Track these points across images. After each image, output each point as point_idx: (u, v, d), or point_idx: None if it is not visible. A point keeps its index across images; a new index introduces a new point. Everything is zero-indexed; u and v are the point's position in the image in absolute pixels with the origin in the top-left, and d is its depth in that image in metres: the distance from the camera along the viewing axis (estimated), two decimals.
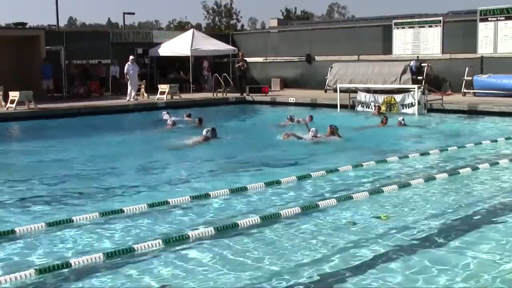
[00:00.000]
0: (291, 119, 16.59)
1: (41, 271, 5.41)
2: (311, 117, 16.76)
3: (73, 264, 5.57)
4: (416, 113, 18.25)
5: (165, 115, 17.93)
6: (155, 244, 6.09)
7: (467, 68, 22.08)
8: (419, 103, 18.62)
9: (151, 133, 15.94)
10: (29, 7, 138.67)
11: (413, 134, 15.00)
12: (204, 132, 13.56)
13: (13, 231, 6.65)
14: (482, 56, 22.41)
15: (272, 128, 16.00)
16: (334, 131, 13.60)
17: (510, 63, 21.39)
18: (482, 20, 22.43)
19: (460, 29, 23.16)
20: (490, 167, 10.09)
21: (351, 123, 16.40)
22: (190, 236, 6.36)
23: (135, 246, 6.01)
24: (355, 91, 20.84)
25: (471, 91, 21.76)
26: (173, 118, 17.10)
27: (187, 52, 26.14)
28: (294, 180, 9.15)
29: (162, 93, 23.52)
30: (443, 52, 23.53)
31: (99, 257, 5.73)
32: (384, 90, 20.69)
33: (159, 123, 17.37)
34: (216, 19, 57.01)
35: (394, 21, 25.28)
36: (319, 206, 7.56)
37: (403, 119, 15.69)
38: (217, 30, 50.99)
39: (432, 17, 24.36)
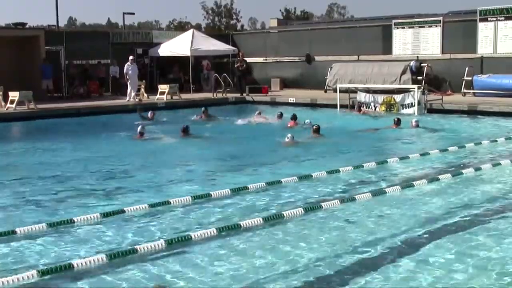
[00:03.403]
0: (294, 118, 16.11)
1: (43, 272, 5.39)
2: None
3: (75, 265, 5.55)
4: (416, 113, 18.23)
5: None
6: (158, 245, 6.08)
7: (467, 68, 22.07)
8: (419, 103, 18.61)
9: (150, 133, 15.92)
10: (29, 7, 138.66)
11: (427, 135, 14.85)
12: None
13: (13, 232, 6.63)
14: (482, 56, 22.40)
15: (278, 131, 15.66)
16: (316, 130, 13.62)
17: (510, 63, 21.38)
18: (482, 20, 22.43)
19: (460, 29, 23.16)
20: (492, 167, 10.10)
21: (353, 124, 16.40)
22: (193, 237, 6.34)
23: (138, 247, 6.00)
24: (355, 91, 20.82)
25: (471, 91, 21.75)
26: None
27: (187, 52, 26.11)
28: (295, 180, 9.14)
29: (162, 93, 23.52)
30: (443, 52, 23.53)
31: (101, 258, 5.72)
32: (384, 90, 20.68)
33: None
34: (216, 19, 56.99)
35: (394, 21, 25.27)
36: (322, 207, 7.55)
37: (417, 121, 15.48)
38: (216, 30, 50.96)
39: (432, 17, 24.35)
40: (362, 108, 19.42)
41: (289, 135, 13.13)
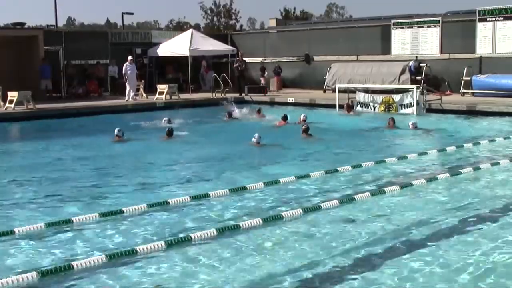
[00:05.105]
0: (285, 119, 16.20)
1: (43, 273, 5.39)
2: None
3: (75, 265, 5.55)
4: (415, 113, 18.24)
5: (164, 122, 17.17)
6: (158, 246, 6.07)
7: (465, 68, 22.10)
8: (418, 103, 18.61)
9: (150, 133, 15.92)
10: (27, 7, 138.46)
11: (425, 135, 14.80)
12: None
13: (12, 232, 6.63)
14: (480, 56, 22.42)
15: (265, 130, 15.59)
16: (305, 130, 13.59)
17: (509, 63, 21.41)
18: (480, 20, 22.45)
19: (458, 29, 23.18)
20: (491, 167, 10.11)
21: (352, 125, 16.41)
22: (193, 237, 6.33)
23: (138, 248, 6.00)
24: (354, 91, 20.83)
25: (470, 91, 21.78)
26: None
27: (186, 52, 26.11)
28: (293, 180, 9.15)
29: (161, 93, 23.51)
30: (441, 52, 23.55)
31: (101, 259, 5.72)
32: (382, 90, 20.69)
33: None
34: (215, 19, 57.01)
35: (392, 21, 25.28)
36: (321, 207, 7.55)
37: (414, 123, 15.36)
38: (215, 30, 50.97)
39: (431, 17, 24.37)
40: (352, 109, 19.33)
41: (256, 135, 12.73)
